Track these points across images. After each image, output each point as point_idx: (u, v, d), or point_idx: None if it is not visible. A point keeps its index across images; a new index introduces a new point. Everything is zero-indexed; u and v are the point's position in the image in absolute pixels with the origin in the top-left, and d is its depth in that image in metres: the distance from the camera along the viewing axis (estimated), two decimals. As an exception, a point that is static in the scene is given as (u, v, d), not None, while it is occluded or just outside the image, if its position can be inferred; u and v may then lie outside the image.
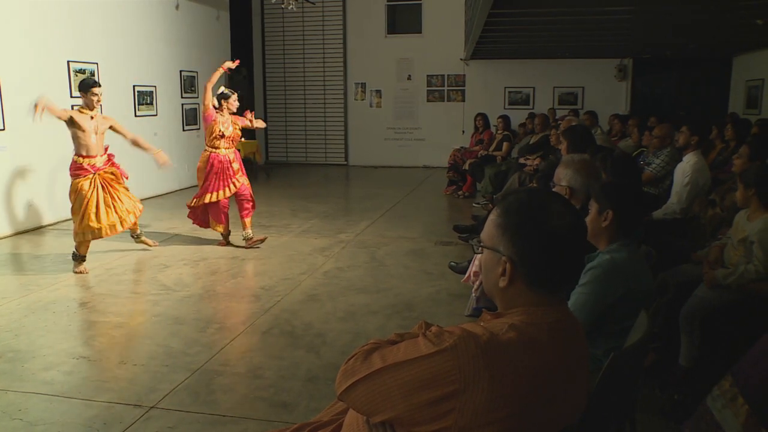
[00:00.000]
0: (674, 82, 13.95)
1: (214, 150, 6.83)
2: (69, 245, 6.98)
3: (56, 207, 8.20)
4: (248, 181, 7.15)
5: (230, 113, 6.88)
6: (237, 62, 7.15)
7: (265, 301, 5.27)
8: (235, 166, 6.94)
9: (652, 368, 3.70)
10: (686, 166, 5.27)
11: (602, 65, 13.72)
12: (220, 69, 6.89)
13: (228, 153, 6.89)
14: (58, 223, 8.25)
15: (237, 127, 6.94)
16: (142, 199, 10.01)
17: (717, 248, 3.81)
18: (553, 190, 3.28)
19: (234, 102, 6.86)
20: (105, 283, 5.82)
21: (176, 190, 11.35)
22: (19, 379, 3.80)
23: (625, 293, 2.52)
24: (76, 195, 6.04)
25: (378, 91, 15.03)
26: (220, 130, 6.75)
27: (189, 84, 11.75)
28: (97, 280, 5.86)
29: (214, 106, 6.77)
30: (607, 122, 10.92)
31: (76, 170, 6.06)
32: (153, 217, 8.90)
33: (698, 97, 13.39)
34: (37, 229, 7.98)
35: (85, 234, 6.04)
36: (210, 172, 6.81)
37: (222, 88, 7.03)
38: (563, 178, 3.31)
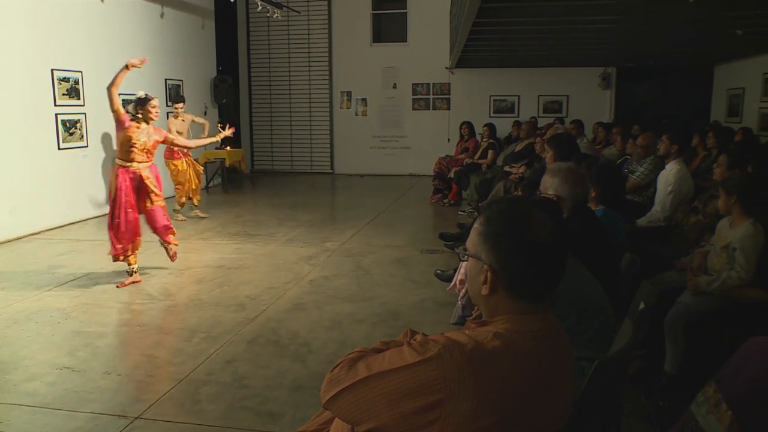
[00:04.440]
0: (657, 90, 14.09)
1: (126, 163, 5.87)
2: (53, 254, 6.94)
3: (39, 216, 8.14)
4: (164, 204, 6.18)
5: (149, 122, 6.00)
6: (144, 60, 6.15)
7: (250, 310, 5.25)
8: (151, 183, 5.98)
9: (637, 375, 3.72)
10: (669, 174, 5.31)
11: (586, 74, 13.83)
12: (126, 69, 5.96)
13: (142, 167, 5.92)
14: (41, 232, 8.18)
15: (156, 138, 6.05)
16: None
17: (700, 255, 3.84)
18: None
19: (153, 109, 5.96)
20: (89, 292, 5.76)
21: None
22: (1, 391, 3.76)
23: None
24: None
25: (364, 100, 15.05)
26: (133, 140, 5.82)
27: (174, 93, 11.70)
28: (81, 290, 5.80)
29: (128, 112, 5.89)
30: (592, 130, 10.99)
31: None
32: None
33: (681, 105, 13.52)
34: (21, 239, 7.90)
35: None
36: (120, 188, 5.83)
37: (140, 93, 6.11)
38: (550, 186, 3.31)
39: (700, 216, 4.42)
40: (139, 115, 5.90)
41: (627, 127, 8.85)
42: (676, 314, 3.56)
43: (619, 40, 9.33)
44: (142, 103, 5.91)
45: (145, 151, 5.91)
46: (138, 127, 5.86)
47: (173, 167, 9.02)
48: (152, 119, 5.96)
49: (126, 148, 5.83)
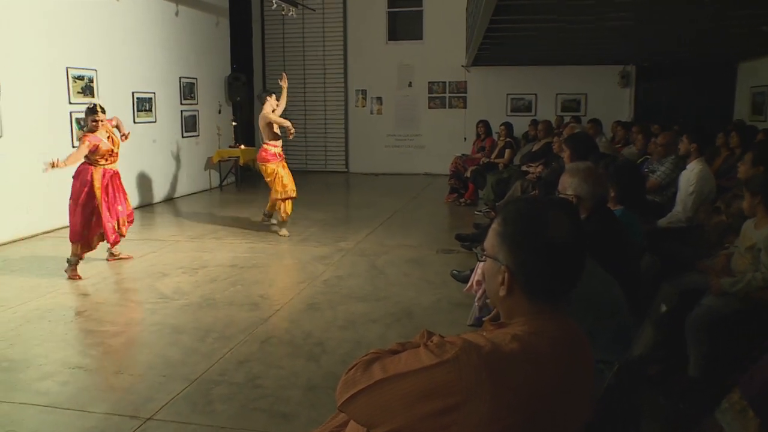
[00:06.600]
0: (678, 88, 13.90)
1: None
2: (67, 253, 6.98)
3: (54, 214, 8.18)
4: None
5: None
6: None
7: (264, 309, 5.25)
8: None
9: (656, 377, 3.68)
10: (690, 174, 5.26)
11: (605, 72, 13.73)
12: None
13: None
14: (55, 230, 8.24)
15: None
16: (138, 207, 10.07)
17: (724, 257, 3.80)
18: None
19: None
20: (102, 291, 5.80)
21: (175, 198, 11.35)
22: (14, 390, 3.78)
23: None
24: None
25: (379, 98, 15.05)
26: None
27: (188, 91, 11.77)
28: (94, 289, 5.84)
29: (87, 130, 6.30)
30: (611, 129, 10.91)
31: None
32: (151, 225, 8.89)
33: (703, 103, 13.35)
34: (35, 236, 7.95)
35: None
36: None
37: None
38: (569, 186, 3.28)
39: (723, 216, 4.38)
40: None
41: (647, 126, 8.77)
42: (698, 316, 3.52)
43: (637, 38, 9.25)
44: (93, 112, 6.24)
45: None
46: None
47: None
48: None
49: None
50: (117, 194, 6.46)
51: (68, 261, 6.20)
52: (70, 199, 6.26)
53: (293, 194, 8.13)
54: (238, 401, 3.62)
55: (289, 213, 8.18)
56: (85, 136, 6.22)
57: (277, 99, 8.27)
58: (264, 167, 8.04)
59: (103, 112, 6.30)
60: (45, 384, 3.85)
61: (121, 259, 6.78)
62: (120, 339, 4.66)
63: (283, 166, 8.13)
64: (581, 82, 13.92)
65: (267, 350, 4.40)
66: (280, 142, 8.10)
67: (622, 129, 10.09)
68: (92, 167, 6.26)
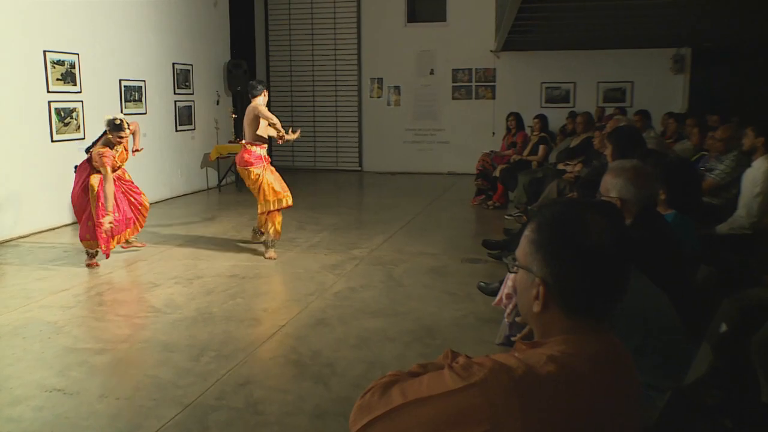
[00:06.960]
0: (741, 73, 13.65)
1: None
2: (44, 260, 7.04)
3: (29, 217, 8.24)
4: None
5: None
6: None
7: (267, 325, 5.26)
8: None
9: (717, 405, 3.63)
10: (757, 173, 5.21)
11: (655, 56, 13.63)
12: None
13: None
14: (31, 235, 8.30)
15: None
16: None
17: (796, 268, 3.75)
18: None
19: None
20: (84, 303, 5.82)
21: (168, 199, 11.40)
22: (-16, 414, 3.80)
23: None
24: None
25: (396, 88, 15.06)
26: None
27: (183, 79, 11.83)
28: (76, 301, 5.86)
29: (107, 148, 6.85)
30: (661, 122, 10.84)
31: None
32: (141, 229, 8.92)
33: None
34: (7, 242, 8.01)
35: None
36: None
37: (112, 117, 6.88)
38: (612, 188, 3.27)
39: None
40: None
41: (703, 118, 8.69)
42: (765, 337, 3.47)
43: (695, 14, 9.15)
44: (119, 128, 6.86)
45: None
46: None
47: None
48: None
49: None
50: (120, 196, 7.13)
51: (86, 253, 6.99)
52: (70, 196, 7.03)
53: (290, 202, 7.42)
54: (238, 429, 3.62)
55: (280, 230, 7.49)
56: (104, 155, 6.68)
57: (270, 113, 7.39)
58: (246, 172, 7.31)
59: (128, 128, 6.92)
60: (17, 410, 3.86)
61: (134, 245, 7.54)
62: (104, 358, 4.67)
63: (272, 171, 7.44)
64: (627, 69, 13.85)
65: (270, 371, 4.41)
66: (266, 145, 7.50)
67: (675, 121, 10.01)
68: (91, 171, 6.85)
